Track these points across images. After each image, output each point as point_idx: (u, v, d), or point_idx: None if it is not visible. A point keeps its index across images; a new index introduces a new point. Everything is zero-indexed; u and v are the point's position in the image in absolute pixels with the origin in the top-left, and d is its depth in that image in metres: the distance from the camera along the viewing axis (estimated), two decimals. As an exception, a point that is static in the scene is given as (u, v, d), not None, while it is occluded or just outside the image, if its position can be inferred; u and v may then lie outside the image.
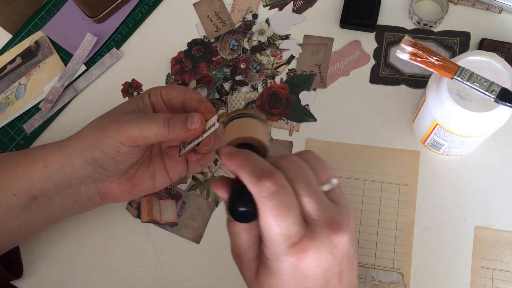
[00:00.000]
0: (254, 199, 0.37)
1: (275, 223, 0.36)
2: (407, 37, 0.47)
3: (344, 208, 0.39)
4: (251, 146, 0.41)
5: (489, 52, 0.49)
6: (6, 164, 0.53)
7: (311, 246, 0.37)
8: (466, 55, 0.49)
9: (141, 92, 0.67)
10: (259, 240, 0.40)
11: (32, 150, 0.54)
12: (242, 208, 0.37)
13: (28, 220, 0.53)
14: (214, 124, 0.47)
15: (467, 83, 0.46)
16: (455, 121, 0.49)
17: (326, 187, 0.40)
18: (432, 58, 0.47)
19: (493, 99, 0.46)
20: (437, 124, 0.52)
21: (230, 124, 0.42)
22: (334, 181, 0.40)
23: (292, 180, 0.38)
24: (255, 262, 0.40)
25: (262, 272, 0.39)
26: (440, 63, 0.47)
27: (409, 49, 0.47)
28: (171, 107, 0.53)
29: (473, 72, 0.46)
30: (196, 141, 0.48)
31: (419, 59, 0.47)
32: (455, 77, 0.46)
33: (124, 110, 0.51)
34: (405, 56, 0.47)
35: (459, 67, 0.47)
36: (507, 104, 0.46)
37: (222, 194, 0.39)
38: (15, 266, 0.60)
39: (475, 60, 0.49)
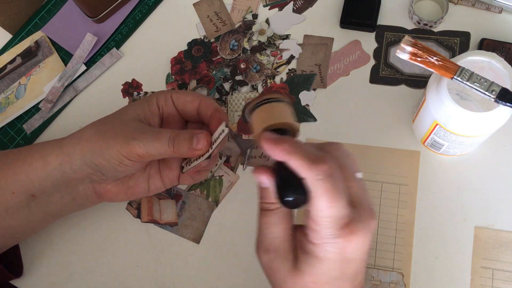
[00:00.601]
0: (304, 184, 0.38)
1: (329, 205, 0.37)
2: (407, 37, 0.47)
3: (369, 196, 0.42)
4: (282, 131, 0.41)
5: (489, 52, 0.49)
6: (5, 161, 0.53)
7: (358, 228, 0.38)
8: (466, 55, 0.49)
9: (141, 93, 0.67)
10: (293, 233, 0.41)
11: (31, 147, 0.53)
12: (294, 194, 0.38)
13: (27, 217, 0.53)
14: (223, 131, 0.46)
15: (467, 83, 0.46)
16: (455, 121, 0.49)
17: (359, 175, 0.42)
18: (432, 58, 0.47)
19: (493, 99, 0.46)
20: (437, 124, 0.52)
21: (257, 111, 0.42)
22: (360, 173, 0.42)
23: (341, 165, 0.40)
24: (292, 254, 0.41)
25: (304, 262, 0.40)
26: (440, 63, 0.47)
27: (409, 49, 0.47)
28: (183, 112, 0.52)
29: (473, 72, 0.46)
30: (203, 158, 0.48)
31: (419, 59, 0.47)
32: (455, 77, 0.46)
33: (129, 116, 0.51)
34: (405, 56, 0.47)
35: (459, 67, 0.47)
36: (507, 104, 0.46)
37: (267, 180, 0.40)
38: (15, 265, 0.60)
39: (475, 60, 0.49)
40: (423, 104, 0.53)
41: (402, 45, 0.47)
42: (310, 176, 0.38)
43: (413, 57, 0.47)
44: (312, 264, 0.39)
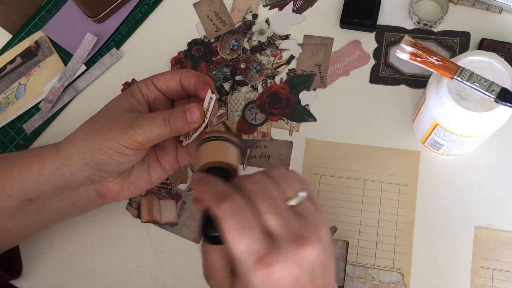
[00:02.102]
0: None
1: (237, 242, 0.38)
2: (407, 37, 0.47)
3: (312, 220, 0.41)
4: (220, 169, 0.43)
5: (489, 52, 0.49)
6: (3, 164, 0.53)
7: (277, 260, 0.38)
8: (466, 55, 0.49)
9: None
10: (232, 260, 0.41)
11: (28, 151, 0.53)
12: (212, 232, 0.40)
13: (24, 221, 0.53)
14: (211, 99, 0.48)
15: (467, 83, 0.46)
16: (455, 121, 0.49)
17: (292, 202, 0.41)
18: (432, 58, 0.47)
19: (493, 99, 0.46)
20: (437, 124, 0.52)
21: (203, 147, 0.45)
22: (302, 194, 0.41)
23: (254, 198, 0.40)
24: (228, 280, 0.42)
25: None
26: (440, 63, 0.47)
27: (409, 49, 0.47)
28: (168, 92, 0.53)
29: (473, 72, 0.46)
30: (201, 128, 0.49)
31: (419, 59, 0.47)
32: (455, 77, 0.46)
33: (118, 109, 0.51)
34: (405, 56, 0.47)
35: (459, 67, 0.47)
36: (507, 104, 0.46)
37: (200, 212, 0.42)
38: (14, 265, 0.60)
39: (475, 60, 0.49)
40: (423, 104, 0.53)
41: (402, 45, 0.47)
42: (217, 214, 0.39)
43: (413, 57, 0.47)
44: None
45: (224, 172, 0.43)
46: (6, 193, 0.51)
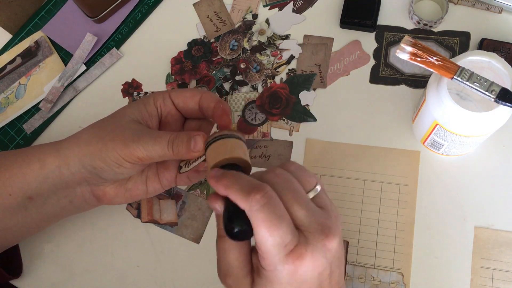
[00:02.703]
0: (247, 216, 0.38)
1: (269, 234, 0.38)
2: (407, 37, 0.47)
3: (332, 212, 0.41)
4: (234, 166, 0.43)
5: (489, 52, 0.49)
6: (3, 162, 0.53)
7: (307, 252, 0.38)
8: (466, 55, 0.49)
9: (141, 93, 0.67)
10: (250, 256, 0.41)
11: (28, 149, 0.53)
12: (238, 227, 0.39)
13: (24, 219, 0.53)
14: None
15: (467, 83, 0.46)
16: (455, 121, 0.49)
17: (311, 194, 0.41)
18: (432, 58, 0.47)
19: (493, 99, 0.46)
20: (437, 124, 0.52)
21: (211, 147, 0.44)
22: (318, 187, 0.42)
23: (280, 191, 0.40)
24: (248, 278, 0.41)
25: (259, 285, 0.40)
26: (440, 63, 0.47)
27: (409, 49, 0.47)
28: (184, 109, 0.52)
29: (473, 72, 0.46)
30: (201, 159, 0.48)
31: (419, 59, 0.47)
32: (455, 77, 0.46)
33: (127, 118, 0.50)
34: (405, 56, 0.47)
35: (459, 67, 0.47)
36: (507, 104, 0.46)
37: (218, 209, 0.41)
38: (14, 265, 0.60)
39: (475, 60, 0.49)
40: (423, 104, 0.53)
41: (402, 45, 0.47)
42: (246, 207, 0.38)
43: (413, 57, 0.47)
44: (264, 284, 0.40)
45: (239, 169, 0.43)
46: (7, 191, 0.51)
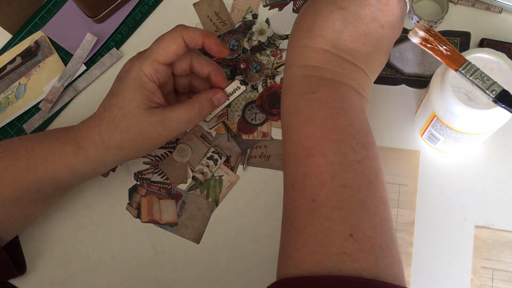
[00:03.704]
0: None
1: None
2: (422, 22, 0.47)
3: None
4: None
5: (499, 52, 0.49)
6: (35, 150, 0.53)
7: None
8: (476, 51, 0.49)
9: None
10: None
11: (58, 146, 0.53)
12: None
13: (47, 206, 0.58)
14: (238, 88, 0.58)
15: (470, 77, 0.46)
16: (451, 114, 0.49)
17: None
18: (442, 47, 0.46)
19: (491, 99, 0.46)
20: (435, 116, 0.52)
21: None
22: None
23: None
24: None
25: None
26: (448, 53, 0.46)
27: (422, 33, 0.47)
28: (176, 70, 0.56)
29: (478, 68, 0.46)
30: (223, 106, 0.58)
31: (429, 45, 0.47)
32: (459, 69, 0.46)
33: (142, 111, 0.50)
34: (416, 40, 0.47)
35: (466, 60, 0.46)
36: (504, 106, 0.45)
37: None
38: (18, 262, 0.60)
39: (484, 58, 0.49)
40: (426, 95, 0.53)
41: (416, 29, 0.47)
42: None
43: (423, 42, 0.47)
44: None
45: None
46: (35, 188, 0.53)
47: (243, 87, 0.57)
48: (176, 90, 0.59)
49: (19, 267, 0.60)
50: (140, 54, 0.53)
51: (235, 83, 0.57)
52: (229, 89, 0.57)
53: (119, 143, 0.51)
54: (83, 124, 0.53)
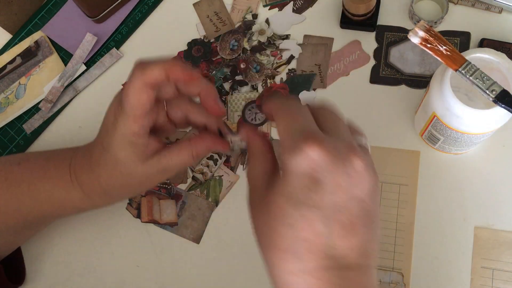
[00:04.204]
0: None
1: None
2: (422, 22, 0.47)
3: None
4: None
5: (499, 52, 0.49)
6: (35, 176, 0.53)
7: (328, 143, 0.37)
8: (476, 51, 0.49)
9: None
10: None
11: (51, 189, 0.52)
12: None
13: (43, 228, 0.59)
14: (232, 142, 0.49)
15: (470, 78, 0.46)
16: (451, 114, 0.49)
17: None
18: (442, 47, 0.46)
19: (491, 99, 0.46)
20: (435, 116, 0.52)
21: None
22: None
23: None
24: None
25: (276, 180, 0.40)
26: (448, 53, 0.46)
27: (422, 34, 0.46)
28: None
29: (478, 68, 0.46)
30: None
31: (429, 45, 0.47)
32: (459, 69, 0.46)
33: (137, 164, 0.48)
34: (416, 40, 0.47)
35: (466, 60, 0.46)
36: (504, 106, 0.45)
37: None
38: (17, 272, 0.60)
39: (484, 58, 0.49)
40: (426, 95, 0.53)
41: (416, 29, 0.47)
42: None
43: (423, 43, 0.47)
44: (280, 181, 0.38)
45: None
46: (40, 219, 0.55)
47: (241, 143, 0.48)
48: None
49: (18, 277, 0.60)
50: (119, 104, 0.47)
51: (235, 138, 0.48)
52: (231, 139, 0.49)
53: (121, 194, 0.52)
54: (83, 167, 0.51)
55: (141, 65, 0.46)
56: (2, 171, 0.53)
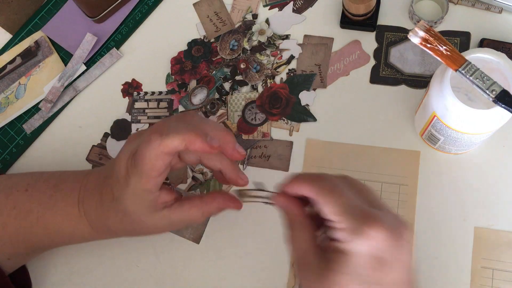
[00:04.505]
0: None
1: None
2: (422, 22, 0.47)
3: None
4: None
5: (499, 52, 0.49)
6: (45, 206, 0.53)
7: (383, 222, 0.38)
8: (476, 51, 0.49)
9: (141, 93, 0.67)
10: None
11: (60, 223, 0.53)
12: None
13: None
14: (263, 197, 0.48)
15: (470, 78, 0.46)
16: (451, 114, 0.49)
17: None
18: (442, 47, 0.46)
19: (491, 99, 0.46)
20: (435, 116, 0.52)
21: None
22: None
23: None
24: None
25: (335, 260, 0.39)
26: (448, 53, 0.46)
27: (422, 34, 0.46)
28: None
29: (478, 69, 0.46)
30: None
31: (429, 45, 0.46)
32: (459, 69, 0.46)
33: (147, 215, 0.48)
34: (416, 40, 0.47)
35: (466, 60, 0.46)
36: (504, 106, 0.45)
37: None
38: (23, 279, 0.60)
39: (484, 58, 0.49)
40: (426, 95, 0.53)
41: (416, 29, 0.47)
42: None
43: (423, 43, 0.47)
44: (342, 260, 0.38)
45: None
46: (44, 243, 0.55)
47: (265, 193, 0.46)
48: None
49: (24, 285, 0.60)
50: (132, 158, 0.46)
51: (258, 193, 0.47)
52: (247, 196, 0.48)
53: (128, 235, 0.54)
54: (91, 206, 0.51)
55: (160, 132, 0.45)
56: (10, 199, 0.54)
